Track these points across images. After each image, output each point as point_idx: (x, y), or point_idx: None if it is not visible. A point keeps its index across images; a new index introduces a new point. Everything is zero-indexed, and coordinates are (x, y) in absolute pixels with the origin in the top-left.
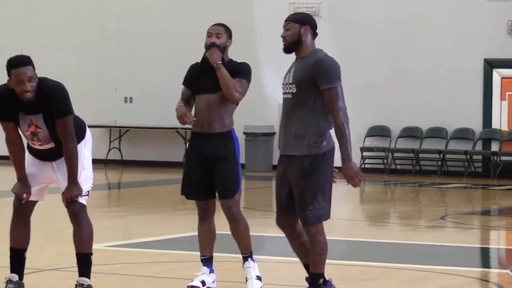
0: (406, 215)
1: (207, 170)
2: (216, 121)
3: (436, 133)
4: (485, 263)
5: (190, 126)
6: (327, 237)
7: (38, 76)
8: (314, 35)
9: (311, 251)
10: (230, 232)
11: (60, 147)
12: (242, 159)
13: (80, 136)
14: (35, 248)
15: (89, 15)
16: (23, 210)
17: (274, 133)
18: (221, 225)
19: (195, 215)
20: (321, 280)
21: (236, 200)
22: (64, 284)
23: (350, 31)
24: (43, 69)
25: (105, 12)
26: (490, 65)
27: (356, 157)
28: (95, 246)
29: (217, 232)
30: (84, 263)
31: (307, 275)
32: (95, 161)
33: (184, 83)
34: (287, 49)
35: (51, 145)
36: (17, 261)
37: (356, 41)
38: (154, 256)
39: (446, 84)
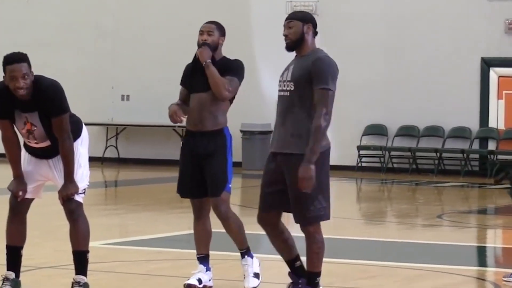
0: (403, 213)
1: (199, 168)
2: (208, 119)
3: (433, 131)
4: (482, 262)
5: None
6: (323, 236)
7: (35, 74)
8: (315, 33)
9: (308, 250)
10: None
11: (56, 145)
12: (239, 158)
13: (77, 134)
14: (31, 246)
15: (86, 12)
16: (19, 207)
17: (270, 132)
18: (218, 223)
19: (191, 213)
20: (318, 278)
21: (224, 198)
22: (61, 282)
23: (347, 29)
24: (40, 67)
25: (101, 9)
26: (487, 63)
27: (353, 156)
28: (92, 244)
29: (213, 230)
30: (80, 261)
31: (289, 270)
32: (92, 159)
33: (181, 83)
34: (290, 47)
35: (46, 143)
36: (14, 259)
37: (353, 39)
38: (151, 254)
39: (443, 83)
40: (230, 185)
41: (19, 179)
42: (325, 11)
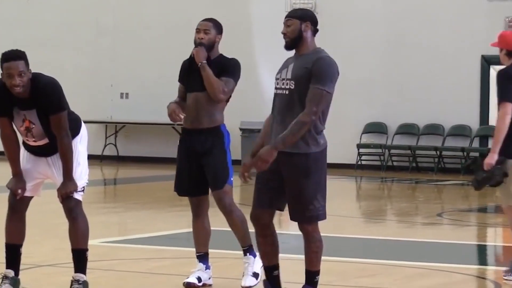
0: (403, 212)
1: (196, 165)
2: (204, 117)
3: (433, 129)
4: (482, 260)
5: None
6: (323, 234)
7: (33, 71)
8: (315, 31)
9: (307, 249)
10: (226, 229)
11: (55, 143)
12: (238, 155)
13: (75, 131)
14: (30, 244)
15: (85, 10)
16: (18, 205)
17: None
18: (218, 221)
19: (190, 211)
20: (317, 277)
21: (227, 191)
22: (60, 280)
23: (346, 27)
24: (38, 64)
25: (101, 8)
26: (487, 61)
27: (352, 154)
28: (91, 242)
29: (213, 228)
30: (80, 259)
31: (264, 277)
32: (91, 157)
33: (179, 80)
34: (288, 46)
35: (45, 141)
36: (13, 257)
37: (353, 37)
38: (150, 252)
39: (443, 81)
40: (232, 178)
41: (18, 177)
42: (324, 9)
